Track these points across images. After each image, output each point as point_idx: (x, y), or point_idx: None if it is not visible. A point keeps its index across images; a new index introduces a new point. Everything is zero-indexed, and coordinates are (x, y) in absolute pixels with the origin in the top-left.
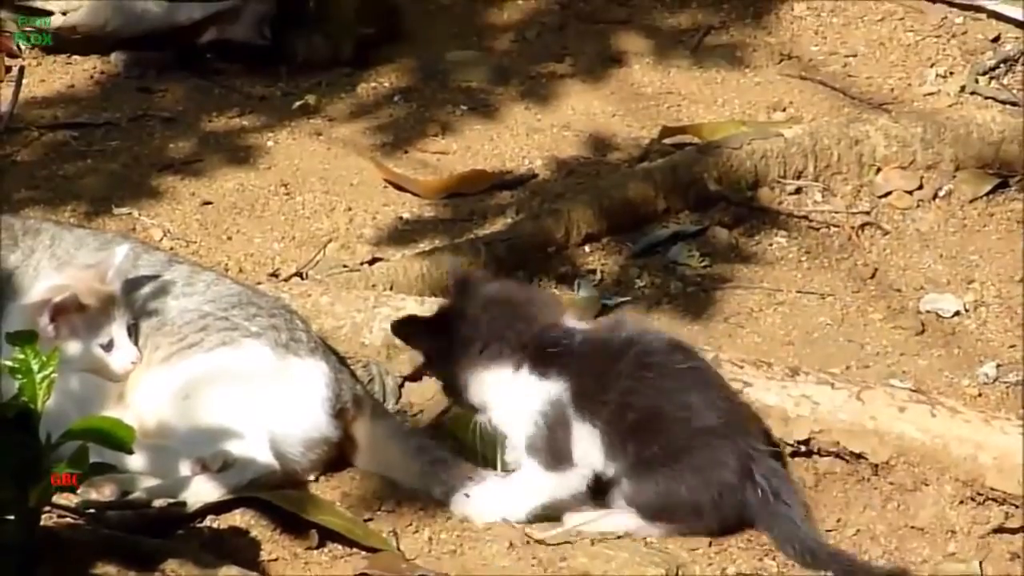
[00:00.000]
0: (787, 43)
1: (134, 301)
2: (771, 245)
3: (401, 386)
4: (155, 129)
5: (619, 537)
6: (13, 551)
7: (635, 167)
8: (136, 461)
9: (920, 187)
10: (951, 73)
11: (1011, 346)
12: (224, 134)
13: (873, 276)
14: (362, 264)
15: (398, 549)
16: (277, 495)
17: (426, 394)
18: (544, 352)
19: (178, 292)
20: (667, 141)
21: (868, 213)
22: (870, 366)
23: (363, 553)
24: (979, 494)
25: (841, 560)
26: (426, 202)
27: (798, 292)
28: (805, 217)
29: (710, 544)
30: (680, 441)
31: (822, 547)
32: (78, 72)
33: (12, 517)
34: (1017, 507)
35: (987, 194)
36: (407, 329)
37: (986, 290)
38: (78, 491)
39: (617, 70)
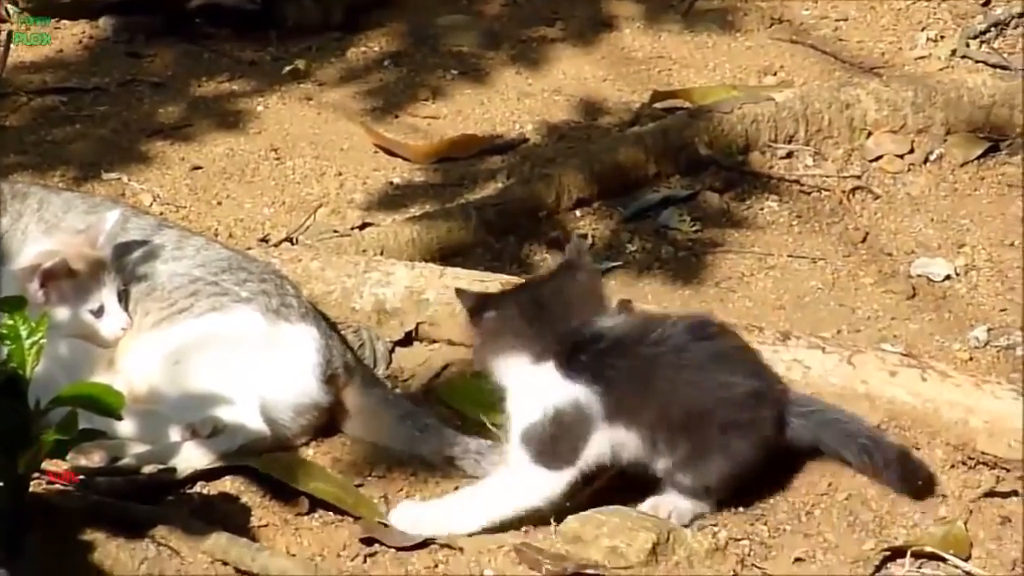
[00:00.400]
0: (778, 7)
1: (124, 266)
2: (762, 209)
3: (392, 351)
4: (144, 94)
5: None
6: (2, 517)
7: (626, 131)
8: (126, 427)
9: (911, 151)
10: (942, 37)
11: (1002, 310)
12: (214, 99)
13: (864, 240)
14: (352, 229)
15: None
16: (267, 461)
17: (417, 359)
18: (575, 353)
19: (167, 257)
20: (658, 105)
21: (859, 177)
22: (861, 330)
23: (353, 519)
24: (970, 458)
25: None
26: (416, 167)
27: (789, 256)
28: (796, 181)
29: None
30: (723, 418)
31: (881, 439)
32: (67, 37)
33: (1, 483)
34: (1008, 471)
35: (978, 158)
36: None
37: (977, 254)
38: (67, 457)
39: (608, 34)
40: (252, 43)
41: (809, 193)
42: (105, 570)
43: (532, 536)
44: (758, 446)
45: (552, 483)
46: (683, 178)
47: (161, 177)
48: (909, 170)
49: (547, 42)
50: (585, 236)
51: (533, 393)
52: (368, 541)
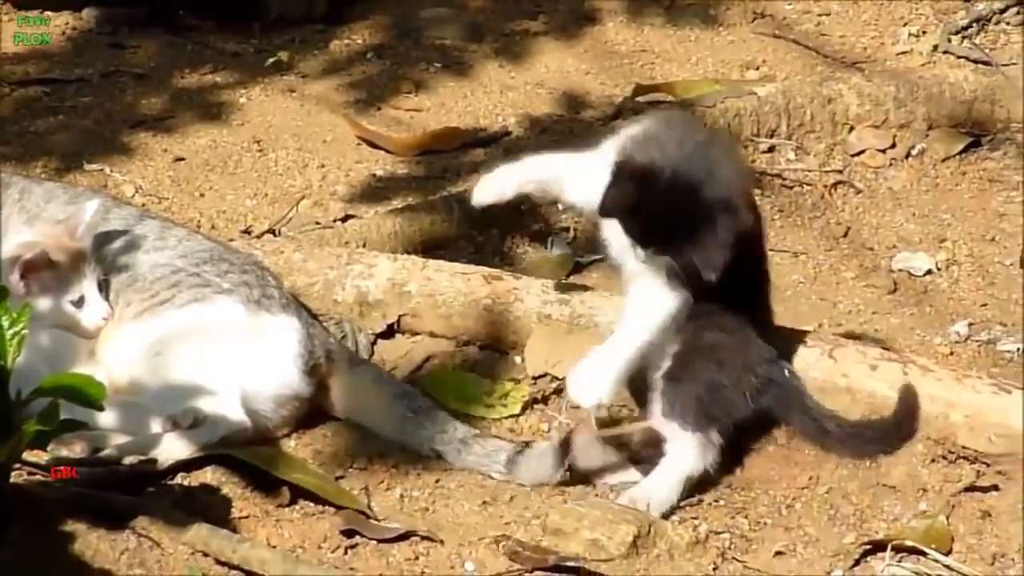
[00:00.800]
0: (761, 1)
1: (105, 257)
2: None
3: (374, 344)
4: (127, 85)
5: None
6: None
7: (609, 125)
8: (107, 418)
9: (893, 146)
10: (924, 32)
11: (983, 305)
12: (197, 91)
13: (846, 234)
14: (335, 221)
15: (370, 507)
16: (248, 452)
17: (399, 352)
18: None
19: (149, 247)
20: (641, 99)
21: (841, 172)
22: (842, 324)
23: (334, 510)
24: (950, 452)
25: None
26: (399, 159)
27: (771, 250)
28: (778, 175)
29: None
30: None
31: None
32: (50, 28)
33: None
34: (988, 466)
35: (959, 153)
36: None
37: (958, 249)
38: (49, 448)
39: (591, 28)
40: (235, 35)
41: (791, 187)
42: (86, 561)
43: (513, 529)
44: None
45: None
46: None
47: (143, 168)
48: (891, 165)
49: (530, 35)
50: (567, 229)
51: None
52: (349, 533)
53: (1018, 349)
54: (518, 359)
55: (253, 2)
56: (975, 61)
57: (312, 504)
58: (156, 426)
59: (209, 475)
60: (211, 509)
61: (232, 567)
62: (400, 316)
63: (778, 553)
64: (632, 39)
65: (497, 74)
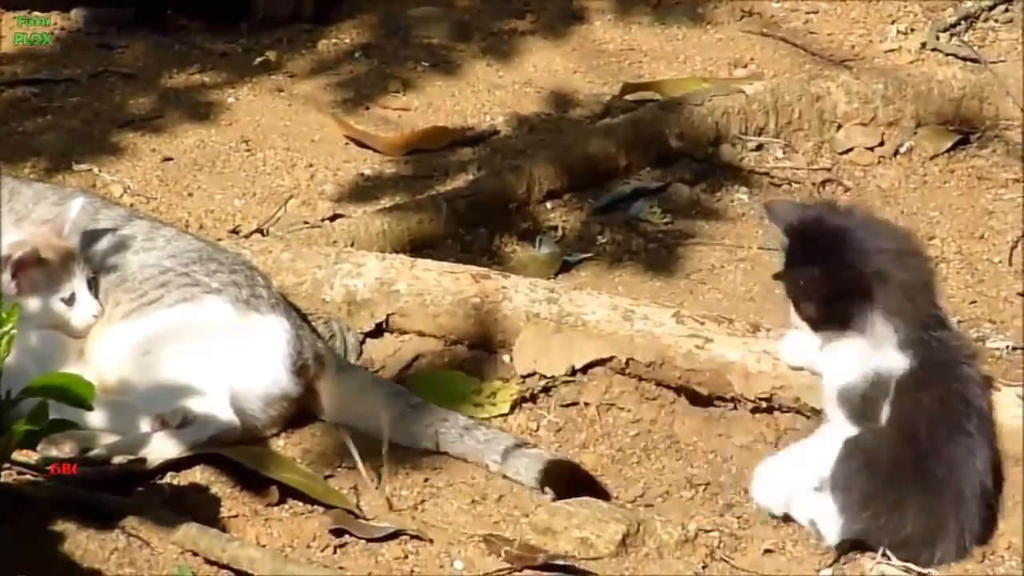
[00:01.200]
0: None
1: (94, 256)
2: (732, 202)
3: (362, 343)
4: (115, 85)
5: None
6: None
7: (597, 124)
8: (96, 418)
9: (881, 144)
10: (912, 30)
11: (972, 302)
12: (185, 90)
13: None
14: (323, 220)
15: (358, 506)
16: (237, 451)
17: (387, 351)
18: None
19: (138, 247)
20: (629, 98)
21: (829, 170)
22: None
23: (323, 510)
24: None
25: None
26: (387, 158)
27: (759, 248)
28: (766, 174)
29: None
30: None
31: None
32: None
33: None
34: None
35: (948, 151)
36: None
37: (947, 246)
38: (38, 448)
39: (579, 27)
40: (223, 35)
41: (779, 185)
42: (75, 560)
43: (502, 527)
44: None
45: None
46: (654, 170)
47: (132, 168)
48: (879, 163)
49: (518, 34)
50: (556, 228)
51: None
52: (338, 532)
53: (1007, 347)
54: (506, 358)
55: (241, 2)
56: (963, 58)
57: (301, 503)
58: (145, 425)
59: (198, 474)
60: (200, 508)
61: (221, 566)
62: (388, 315)
63: (767, 551)
64: (620, 38)
65: (485, 73)
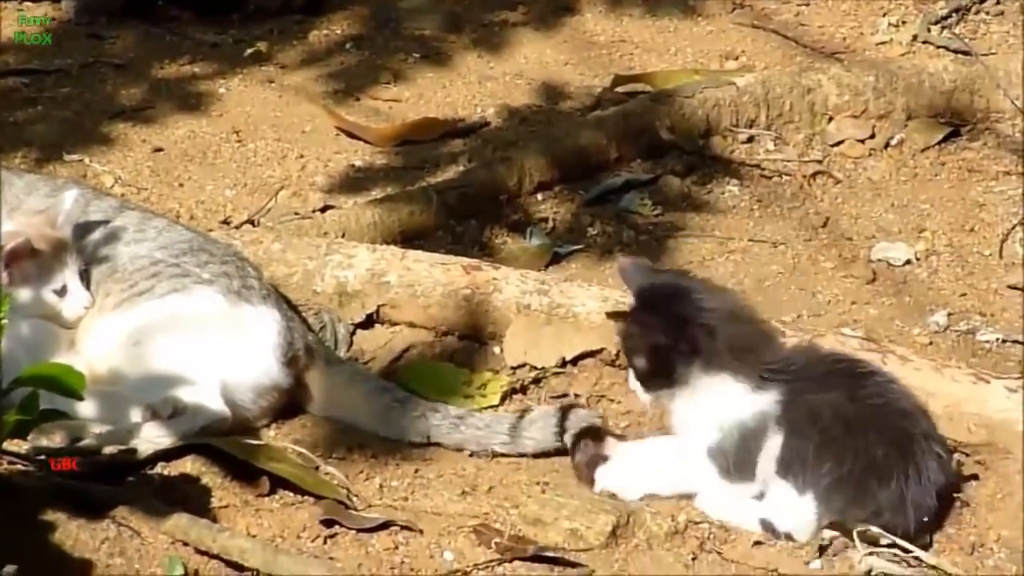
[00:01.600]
0: None
1: (85, 247)
2: (723, 193)
3: (353, 334)
4: (106, 76)
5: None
6: None
7: (587, 115)
8: (87, 408)
9: (872, 136)
10: (903, 22)
11: (962, 295)
12: (175, 81)
13: (825, 225)
14: (314, 212)
15: (349, 497)
16: (228, 442)
17: (378, 342)
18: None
19: (129, 238)
20: (620, 89)
21: (820, 162)
22: (822, 314)
23: (314, 500)
24: None
25: None
26: (378, 150)
27: (750, 240)
28: (757, 166)
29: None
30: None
31: None
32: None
33: None
34: (968, 455)
35: (939, 143)
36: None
37: (937, 239)
38: (28, 437)
39: (570, 18)
40: (214, 25)
41: (770, 177)
42: (66, 550)
43: (491, 518)
44: None
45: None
46: (644, 162)
47: (123, 159)
48: (870, 155)
49: (509, 26)
50: (546, 220)
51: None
52: (329, 523)
53: (997, 339)
54: (497, 349)
55: None
56: (954, 51)
57: (292, 494)
58: (136, 416)
59: (189, 465)
60: (191, 499)
61: (212, 556)
62: (379, 306)
63: (756, 543)
64: (611, 29)
65: (476, 64)
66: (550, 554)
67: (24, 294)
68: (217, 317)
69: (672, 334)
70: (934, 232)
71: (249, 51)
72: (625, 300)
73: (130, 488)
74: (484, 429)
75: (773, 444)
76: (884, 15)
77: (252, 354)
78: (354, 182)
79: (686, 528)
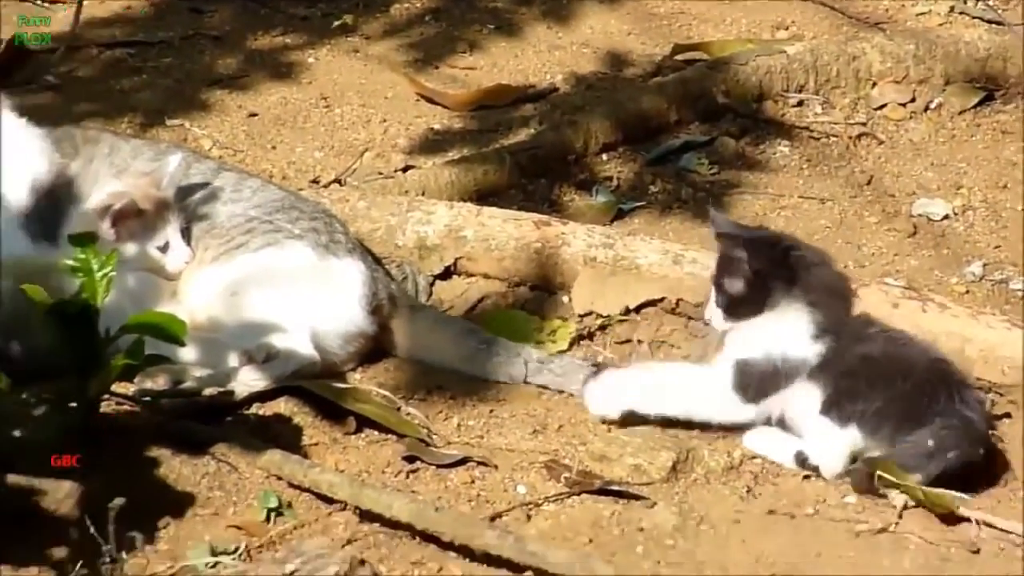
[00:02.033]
0: None
1: (187, 206)
2: (775, 154)
3: (432, 284)
4: (205, 47)
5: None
6: (76, 435)
7: (649, 82)
8: (188, 353)
9: (912, 100)
10: None
11: (996, 247)
12: (268, 52)
13: (869, 183)
14: (396, 172)
15: (429, 435)
16: (318, 384)
17: (455, 292)
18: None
19: (226, 198)
20: (679, 57)
21: (864, 124)
22: (866, 266)
23: (397, 438)
24: None
25: None
26: (455, 114)
27: (800, 197)
28: (806, 128)
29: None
30: None
31: None
32: None
33: (75, 404)
34: (1001, 395)
35: (974, 107)
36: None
37: (973, 195)
38: (135, 380)
39: None
40: (304, 0)
41: (818, 139)
42: (169, 483)
43: (561, 455)
44: None
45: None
46: (702, 125)
47: (220, 124)
48: (911, 118)
49: None
50: (611, 178)
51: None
52: (410, 459)
53: None
54: (565, 298)
55: None
56: (988, 21)
57: (376, 432)
58: (233, 360)
59: (282, 406)
60: (284, 436)
61: (303, 489)
62: (456, 259)
63: (805, 477)
64: (671, 2)
65: (545, 35)
66: (615, 487)
67: (130, 249)
68: (307, 269)
69: (775, 261)
70: (970, 189)
71: (336, 23)
72: (684, 254)
73: (228, 427)
74: (562, 375)
75: (810, 396)
76: None
77: (339, 303)
78: (433, 144)
79: (741, 463)
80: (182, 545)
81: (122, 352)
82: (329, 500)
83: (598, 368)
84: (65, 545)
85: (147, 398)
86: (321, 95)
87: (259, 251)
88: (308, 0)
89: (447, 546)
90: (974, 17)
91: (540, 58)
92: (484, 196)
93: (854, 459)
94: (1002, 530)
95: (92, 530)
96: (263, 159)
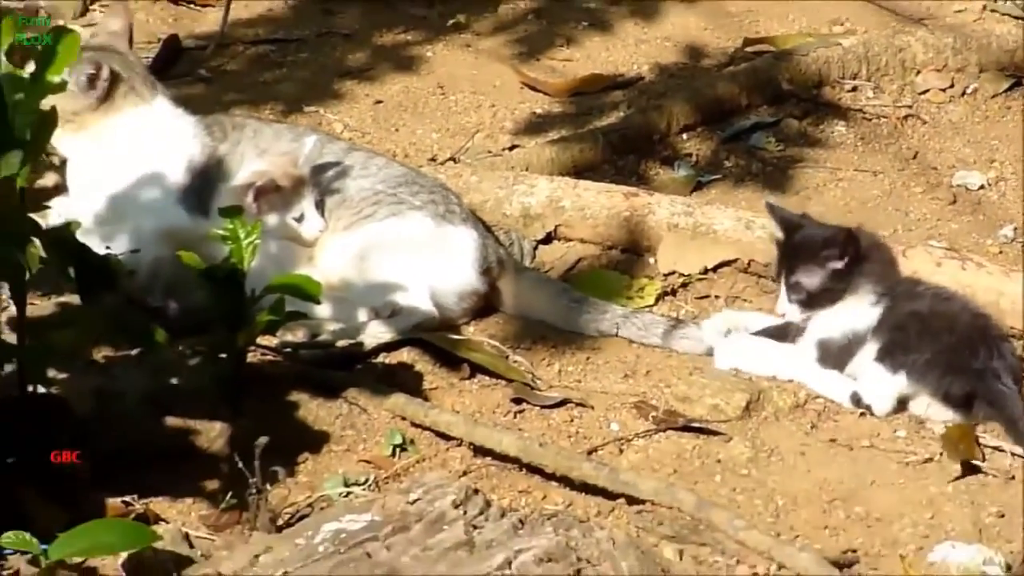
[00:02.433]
0: None
1: (320, 181)
2: (832, 133)
3: (535, 248)
4: (337, 43)
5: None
6: (226, 382)
7: (723, 71)
8: (323, 310)
9: (951, 86)
10: None
11: None
12: (392, 47)
13: (914, 157)
14: (503, 150)
15: (534, 380)
16: (436, 337)
17: (555, 255)
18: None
19: (356, 174)
20: (749, 50)
21: (910, 107)
22: (912, 230)
23: (505, 383)
24: None
25: None
26: (554, 100)
27: (854, 170)
28: (860, 110)
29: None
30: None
31: None
32: None
33: (224, 355)
34: None
35: (1005, 91)
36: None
37: (1005, 168)
38: (277, 334)
39: None
40: (422, 2)
41: (870, 120)
42: (308, 424)
43: (648, 396)
44: None
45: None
46: (769, 108)
47: (350, 110)
48: (950, 101)
49: None
50: (690, 155)
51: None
52: (517, 401)
53: None
54: (652, 260)
55: None
56: (1016, 17)
57: (487, 378)
58: (362, 316)
59: (405, 355)
60: (407, 382)
61: (424, 428)
62: (556, 226)
63: (861, 414)
64: (741, 1)
65: (632, 30)
66: (696, 424)
67: (271, 220)
68: (426, 236)
69: (850, 255)
70: (1002, 162)
71: (451, 22)
72: (755, 220)
73: (358, 374)
74: (643, 329)
75: (868, 347)
76: None
77: (455, 265)
78: (535, 126)
79: (805, 403)
80: (319, 478)
81: (265, 310)
82: (447, 437)
83: (676, 323)
84: (216, 479)
85: (288, 349)
86: (438, 84)
87: (384, 220)
88: (426, 2)
89: (550, 477)
90: (1004, 14)
91: (628, 51)
92: (580, 171)
93: (902, 402)
94: None
95: (240, 465)
96: (387, 140)
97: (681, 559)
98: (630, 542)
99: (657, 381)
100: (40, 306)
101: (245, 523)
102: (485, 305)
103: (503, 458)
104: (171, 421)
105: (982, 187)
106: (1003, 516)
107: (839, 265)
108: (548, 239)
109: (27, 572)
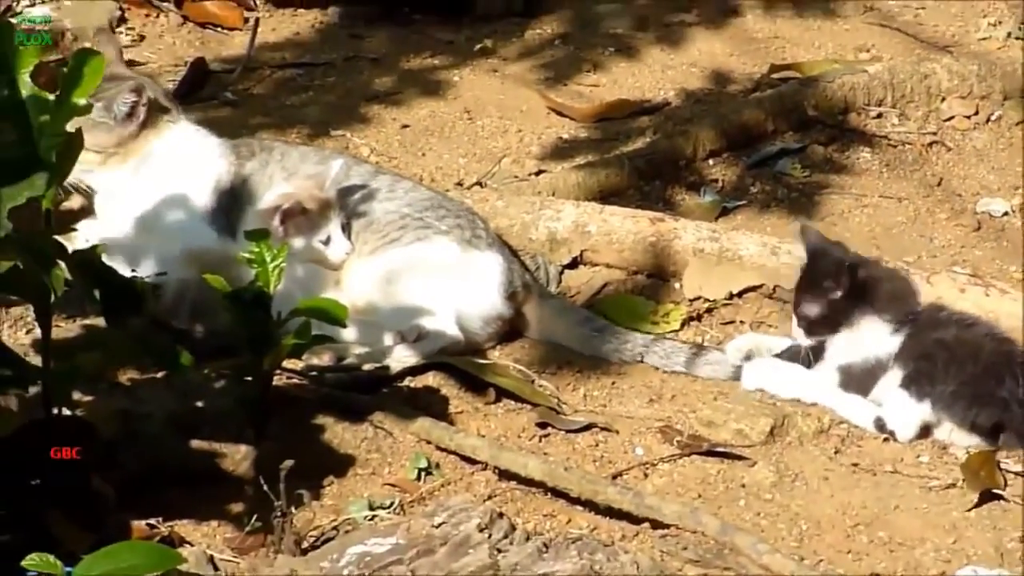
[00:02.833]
0: None
1: (347, 205)
2: (858, 159)
3: (561, 273)
4: (363, 68)
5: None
6: (251, 405)
7: (749, 97)
8: (349, 333)
9: (976, 113)
10: (1000, 22)
11: None
12: (419, 71)
13: (939, 184)
14: (530, 175)
15: (559, 404)
16: (462, 361)
17: (581, 279)
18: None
19: (382, 197)
20: (774, 76)
21: (935, 134)
22: (936, 256)
23: (531, 407)
24: None
25: None
26: (581, 125)
27: (880, 197)
28: (885, 137)
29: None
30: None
31: None
32: (302, 22)
33: (250, 378)
34: None
35: None
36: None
37: None
38: (303, 357)
39: (734, 19)
40: (449, 27)
41: (895, 146)
42: (333, 447)
43: (673, 420)
44: None
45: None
46: (795, 134)
47: (377, 134)
48: (975, 128)
49: (685, 25)
50: (716, 180)
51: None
52: (542, 425)
53: None
54: (677, 285)
55: (464, 1)
56: None
57: (513, 402)
58: (388, 340)
59: (431, 379)
60: (432, 406)
61: (449, 452)
62: (582, 251)
63: (884, 440)
64: (767, 28)
65: (659, 56)
66: (721, 449)
67: (298, 243)
68: (452, 261)
69: (844, 286)
70: None
71: (477, 47)
72: (780, 246)
73: (384, 397)
74: (664, 356)
75: (892, 373)
76: (984, 17)
77: (480, 290)
78: (562, 151)
79: (829, 428)
80: (344, 501)
81: (291, 333)
82: (472, 461)
83: (698, 349)
84: (241, 501)
85: (313, 372)
86: (464, 109)
87: (411, 245)
88: (453, 27)
89: (575, 501)
90: None
91: (654, 76)
92: (606, 196)
93: (925, 428)
94: None
95: (265, 488)
96: (414, 164)
97: None
98: (654, 566)
99: (682, 406)
100: (66, 328)
101: (270, 546)
102: (510, 330)
103: (528, 482)
104: (196, 444)
105: (1006, 214)
106: None
107: (837, 295)
108: (574, 264)
109: None
